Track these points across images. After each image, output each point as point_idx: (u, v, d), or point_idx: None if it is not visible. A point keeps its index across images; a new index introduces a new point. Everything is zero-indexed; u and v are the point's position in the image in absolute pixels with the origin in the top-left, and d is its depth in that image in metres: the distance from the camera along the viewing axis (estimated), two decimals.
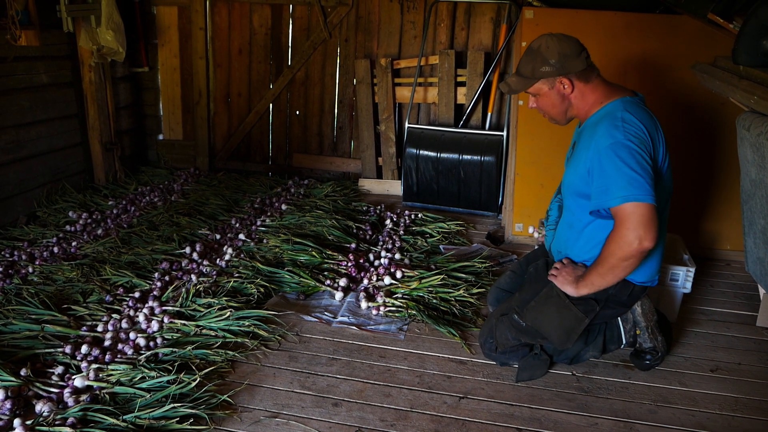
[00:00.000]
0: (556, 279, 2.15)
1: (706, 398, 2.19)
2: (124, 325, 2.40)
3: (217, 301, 2.55)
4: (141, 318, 2.43)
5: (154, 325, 2.38)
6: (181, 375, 2.05)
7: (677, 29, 3.37)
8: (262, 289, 2.75)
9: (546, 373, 2.28)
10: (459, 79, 4.33)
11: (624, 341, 2.32)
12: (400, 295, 2.75)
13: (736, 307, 2.93)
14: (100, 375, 2.05)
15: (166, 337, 2.33)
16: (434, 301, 2.72)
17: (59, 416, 1.83)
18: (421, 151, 4.14)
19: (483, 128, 4.27)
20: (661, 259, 2.21)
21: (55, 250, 3.10)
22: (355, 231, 3.53)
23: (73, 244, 3.18)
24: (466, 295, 2.76)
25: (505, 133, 4.05)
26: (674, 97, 3.42)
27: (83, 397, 1.93)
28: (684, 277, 2.62)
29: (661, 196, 2.02)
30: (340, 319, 2.62)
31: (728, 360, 2.46)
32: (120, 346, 2.25)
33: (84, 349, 2.19)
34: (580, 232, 2.16)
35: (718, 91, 3.08)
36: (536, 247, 2.66)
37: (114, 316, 2.46)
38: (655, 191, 1.89)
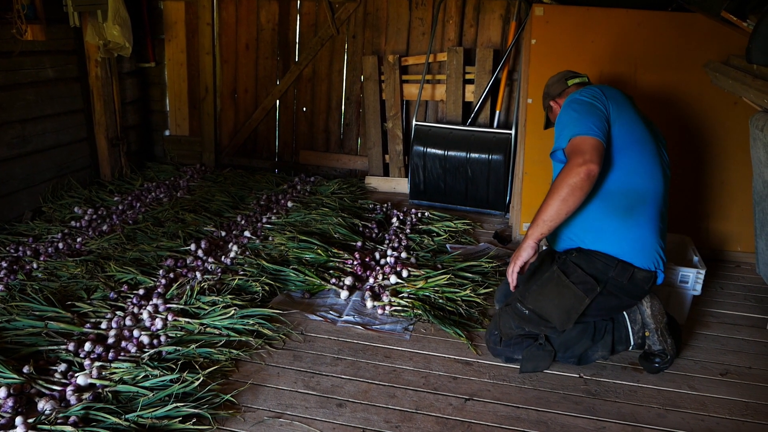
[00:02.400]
0: (510, 260, 2.19)
1: (716, 403, 2.16)
2: (127, 322, 2.38)
3: (221, 299, 2.53)
4: (145, 315, 2.42)
5: (158, 323, 2.36)
6: (185, 374, 2.03)
7: (689, 27, 3.32)
8: (267, 287, 2.73)
9: (550, 366, 2.26)
10: (467, 76, 4.30)
11: (632, 342, 2.29)
12: (405, 295, 2.73)
13: (746, 309, 2.89)
14: (103, 373, 2.04)
15: (170, 335, 2.31)
16: (440, 300, 2.69)
17: (61, 415, 1.82)
18: (429, 149, 4.11)
19: (491, 126, 4.24)
20: (656, 242, 2.19)
21: (60, 246, 3.09)
22: (361, 229, 3.51)
23: (78, 240, 3.18)
24: (472, 295, 2.73)
25: (513, 132, 4.01)
26: (685, 96, 3.38)
27: (86, 395, 1.92)
28: (694, 279, 2.59)
29: (628, 154, 2.16)
30: (345, 318, 2.60)
31: (738, 364, 2.42)
32: (123, 343, 2.24)
33: (87, 346, 2.18)
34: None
35: (730, 90, 3.04)
36: (544, 247, 2.64)
37: (118, 313, 2.45)
38: (601, 128, 2.07)
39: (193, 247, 3.10)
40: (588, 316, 2.20)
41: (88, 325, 2.36)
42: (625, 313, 2.28)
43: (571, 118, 2.14)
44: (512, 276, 2.18)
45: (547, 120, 2.62)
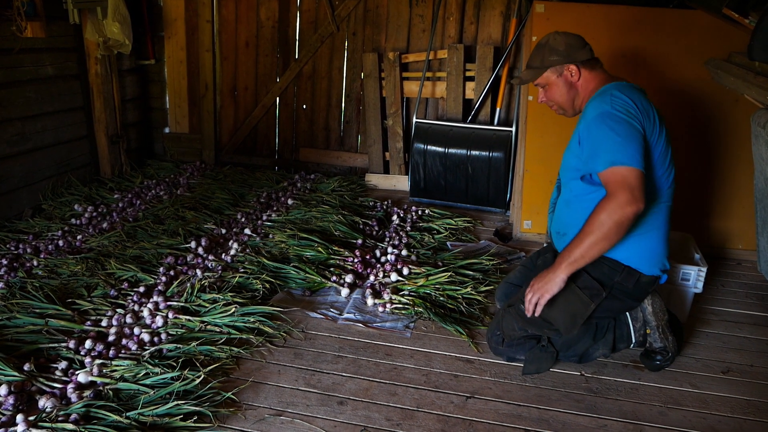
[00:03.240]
0: (533, 287, 2.07)
1: (718, 401, 2.16)
2: (128, 320, 2.38)
3: (222, 297, 2.52)
4: (145, 313, 2.41)
5: (159, 321, 2.36)
6: (186, 371, 2.03)
7: (691, 24, 3.31)
8: (267, 285, 2.73)
9: (552, 366, 2.26)
10: (468, 73, 4.29)
11: (633, 340, 2.28)
12: (406, 292, 2.73)
13: (748, 307, 2.89)
14: (104, 371, 2.03)
15: (171, 332, 2.31)
16: (441, 298, 2.69)
17: (62, 412, 1.82)
18: (429, 147, 4.10)
19: (491, 124, 4.23)
20: (664, 249, 2.18)
21: (60, 243, 3.09)
22: (361, 227, 3.50)
23: (78, 237, 3.17)
24: (473, 292, 2.73)
25: (514, 129, 4.00)
26: (687, 94, 3.37)
27: (87, 392, 1.92)
28: (695, 276, 2.58)
29: (655, 173, 2.08)
30: (346, 315, 2.60)
31: (740, 362, 2.42)
32: (124, 341, 2.23)
33: (88, 344, 2.18)
34: (577, 206, 2.17)
35: (732, 88, 3.03)
36: (545, 244, 2.64)
37: (118, 310, 2.45)
38: (642, 156, 1.94)
39: (193, 244, 3.10)
40: (591, 318, 2.19)
41: (88, 322, 2.36)
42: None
43: (611, 140, 1.94)
44: (531, 305, 2.07)
45: (527, 70, 2.28)
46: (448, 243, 3.41)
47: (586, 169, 2.07)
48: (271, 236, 3.25)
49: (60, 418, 1.79)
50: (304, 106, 4.74)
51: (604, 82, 2.18)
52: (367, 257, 3.05)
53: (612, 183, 1.92)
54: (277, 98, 4.75)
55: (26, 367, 2.03)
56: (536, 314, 2.08)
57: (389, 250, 3.14)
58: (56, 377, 2.02)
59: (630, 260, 2.12)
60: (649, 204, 2.07)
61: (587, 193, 2.12)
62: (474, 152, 4.00)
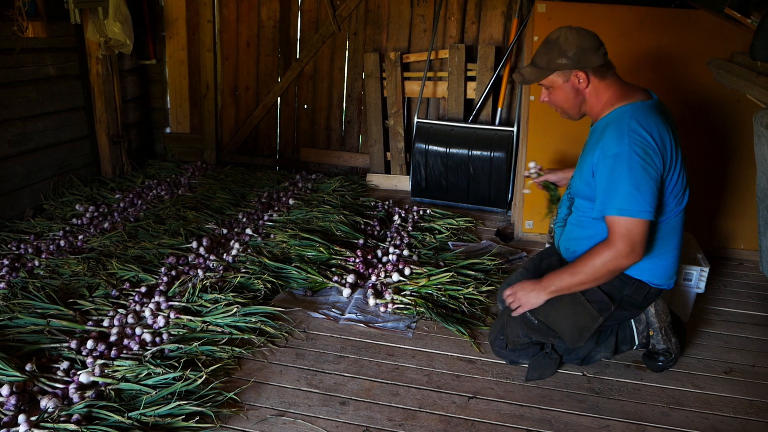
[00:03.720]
0: (517, 294, 2.12)
1: (720, 401, 2.15)
2: (130, 320, 2.38)
3: (223, 297, 2.52)
4: (147, 313, 2.41)
5: (161, 321, 2.36)
6: (187, 372, 2.03)
7: (693, 24, 3.31)
8: (269, 285, 2.73)
9: (555, 373, 2.25)
10: (469, 73, 4.29)
11: (637, 342, 2.28)
12: (408, 292, 2.72)
13: (750, 307, 2.88)
14: (106, 371, 2.03)
15: (172, 332, 2.31)
16: (443, 298, 2.68)
17: (64, 413, 1.81)
18: (430, 147, 4.10)
19: (493, 124, 4.23)
20: (677, 262, 2.16)
21: (62, 243, 3.09)
22: (363, 227, 3.50)
23: (80, 237, 3.17)
24: (475, 292, 2.73)
25: (515, 129, 4.00)
26: (688, 94, 3.37)
27: (88, 393, 1.92)
28: (698, 276, 2.58)
29: (671, 199, 2.01)
30: (347, 316, 2.59)
31: (742, 362, 2.41)
32: (126, 341, 2.23)
33: (89, 344, 2.18)
34: (588, 231, 2.12)
35: (734, 88, 3.03)
36: (547, 245, 2.63)
37: (120, 311, 2.45)
38: (654, 206, 1.89)
39: (194, 244, 3.09)
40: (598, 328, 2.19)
41: (90, 322, 2.35)
42: None
43: (625, 187, 1.88)
44: (508, 304, 2.14)
45: (532, 69, 2.09)
46: (449, 243, 3.40)
47: (598, 210, 2.00)
48: (272, 236, 3.25)
49: (62, 419, 1.79)
50: (306, 106, 4.74)
51: (618, 96, 2.03)
52: (369, 257, 3.05)
53: (616, 231, 1.90)
54: (278, 98, 4.74)
55: (28, 367, 2.03)
56: (513, 315, 2.13)
57: (391, 250, 3.14)
58: (58, 377, 2.02)
59: (642, 275, 2.10)
60: (664, 227, 2.06)
61: (601, 220, 2.05)
62: (475, 152, 4.00)
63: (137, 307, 2.47)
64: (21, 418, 1.77)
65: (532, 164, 2.68)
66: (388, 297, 2.69)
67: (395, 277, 2.83)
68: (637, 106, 1.98)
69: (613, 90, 2.04)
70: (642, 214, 1.87)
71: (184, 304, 2.49)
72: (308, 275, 2.85)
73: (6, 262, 2.82)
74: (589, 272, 1.96)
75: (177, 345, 2.21)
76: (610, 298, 2.08)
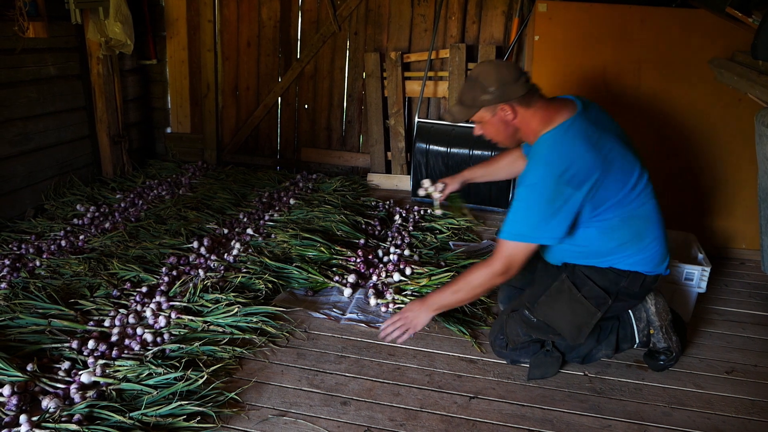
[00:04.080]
0: (404, 317, 2.20)
1: (722, 401, 2.15)
2: (131, 320, 2.38)
3: (224, 297, 2.52)
4: (148, 313, 2.41)
5: (162, 321, 2.36)
6: (189, 372, 2.02)
7: (694, 23, 3.31)
8: (270, 285, 2.73)
9: (558, 372, 2.25)
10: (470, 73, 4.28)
11: (637, 340, 2.28)
12: (409, 292, 2.72)
13: (751, 307, 2.88)
14: (107, 371, 2.03)
15: (174, 332, 2.31)
16: None
17: (65, 413, 1.81)
18: (431, 146, 4.09)
19: None
20: (664, 248, 2.15)
21: (63, 243, 3.08)
22: (363, 226, 3.49)
23: (81, 237, 3.17)
24: None
25: None
26: (690, 93, 3.36)
27: (90, 393, 1.91)
28: (699, 276, 2.58)
29: (627, 200, 2.02)
30: (348, 315, 2.59)
31: (744, 361, 2.41)
32: (127, 341, 2.23)
33: (91, 344, 2.17)
34: (560, 245, 2.13)
35: (735, 87, 3.03)
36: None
37: (121, 311, 2.45)
38: (545, 231, 1.96)
39: (195, 244, 3.09)
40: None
41: (91, 322, 2.35)
42: (630, 311, 2.27)
43: (523, 211, 1.98)
44: (394, 333, 2.20)
45: (459, 107, 2.10)
46: (450, 243, 3.40)
47: (503, 231, 2.06)
48: (273, 236, 3.25)
49: (63, 419, 1.79)
50: (306, 106, 4.74)
51: (544, 121, 2.02)
52: (370, 257, 3.04)
53: (499, 252, 2.02)
54: (279, 98, 4.74)
55: (29, 367, 2.02)
56: (398, 341, 2.22)
57: (392, 249, 3.14)
58: (59, 377, 2.02)
59: (635, 267, 2.10)
60: (637, 219, 2.05)
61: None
62: (476, 152, 4.00)
63: (138, 307, 2.47)
64: (22, 418, 1.77)
65: (426, 183, 2.67)
66: (389, 297, 2.69)
67: (396, 276, 2.82)
68: (557, 131, 1.99)
69: (540, 115, 2.04)
70: (535, 239, 1.98)
71: (185, 304, 2.49)
72: (309, 275, 2.85)
73: (7, 262, 2.82)
74: (468, 289, 2.10)
75: (178, 345, 2.21)
76: (607, 292, 2.10)
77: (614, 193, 1.99)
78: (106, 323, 2.35)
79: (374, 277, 2.87)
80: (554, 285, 2.16)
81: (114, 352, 2.14)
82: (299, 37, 4.59)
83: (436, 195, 2.64)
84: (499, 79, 1.99)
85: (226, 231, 3.34)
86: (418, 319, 2.18)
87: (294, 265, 2.91)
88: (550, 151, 1.97)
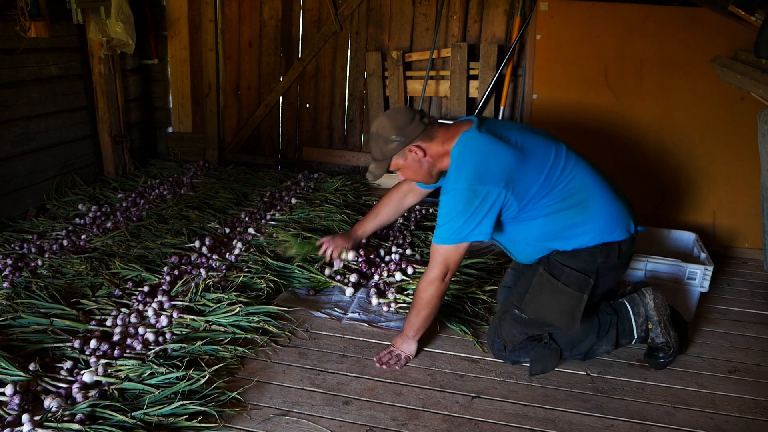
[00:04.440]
0: (394, 353, 2.29)
1: (725, 400, 2.15)
2: (133, 319, 2.38)
3: (226, 296, 2.52)
4: (150, 313, 2.41)
5: (163, 320, 2.35)
6: (191, 371, 2.02)
7: (696, 22, 3.30)
8: (271, 285, 2.72)
9: (558, 365, 2.25)
10: (471, 72, 4.28)
11: (636, 335, 2.27)
12: (411, 292, 2.72)
13: (754, 306, 2.87)
14: (109, 370, 2.03)
15: (175, 332, 2.30)
16: (446, 297, 2.68)
17: (68, 412, 1.81)
18: None
19: None
20: (618, 207, 2.13)
21: (65, 243, 3.09)
22: None
23: (83, 237, 3.17)
24: (478, 292, 2.72)
25: None
26: (692, 92, 3.36)
27: (92, 392, 1.91)
28: (702, 275, 2.57)
29: (556, 184, 2.06)
30: (350, 315, 2.59)
31: (747, 361, 2.41)
32: (129, 341, 2.23)
33: (93, 343, 2.17)
34: (520, 236, 2.18)
35: (738, 86, 3.03)
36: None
37: (123, 310, 2.45)
38: (474, 228, 2.03)
39: (197, 244, 3.09)
40: (592, 310, 2.20)
41: (93, 322, 2.35)
42: (628, 305, 2.27)
43: (444, 216, 2.07)
44: (390, 366, 2.25)
45: (375, 164, 2.21)
46: None
47: (436, 236, 2.14)
48: (275, 235, 3.24)
49: (65, 418, 1.79)
50: (308, 105, 4.73)
51: (449, 139, 2.12)
52: (372, 256, 3.04)
53: (433, 258, 2.13)
54: (281, 97, 4.74)
55: (31, 366, 2.02)
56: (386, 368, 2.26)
57: (393, 249, 3.14)
58: (61, 377, 2.02)
59: (601, 238, 2.09)
60: (576, 195, 2.07)
61: (516, 225, 2.15)
62: None
63: (140, 307, 2.47)
64: (25, 417, 1.77)
65: (337, 263, 2.88)
66: (391, 296, 2.69)
67: (398, 276, 2.82)
68: (462, 141, 2.09)
69: (443, 138, 2.14)
70: (465, 239, 2.06)
71: (186, 304, 2.49)
72: (311, 274, 2.85)
73: (9, 261, 2.82)
74: (424, 305, 2.19)
75: (180, 344, 2.21)
76: (586, 273, 2.09)
77: (535, 178, 2.05)
78: (108, 323, 2.35)
79: (376, 277, 2.87)
80: (534, 280, 2.16)
81: (116, 352, 2.14)
82: (301, 37, 4.59)
83: (338, 263, 2.87)
84: (395, 126, 2.10)
85: (227, 230, 3.34)
86: (408, 351, 2.29)
87: (296, 264, 2.90)
88: (461, 158, 2.07)
